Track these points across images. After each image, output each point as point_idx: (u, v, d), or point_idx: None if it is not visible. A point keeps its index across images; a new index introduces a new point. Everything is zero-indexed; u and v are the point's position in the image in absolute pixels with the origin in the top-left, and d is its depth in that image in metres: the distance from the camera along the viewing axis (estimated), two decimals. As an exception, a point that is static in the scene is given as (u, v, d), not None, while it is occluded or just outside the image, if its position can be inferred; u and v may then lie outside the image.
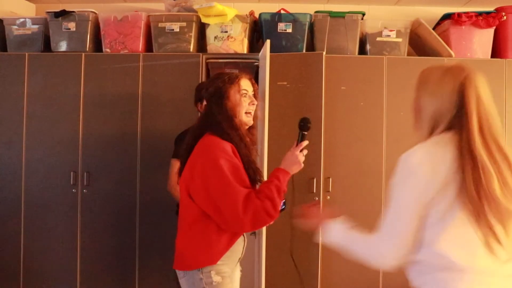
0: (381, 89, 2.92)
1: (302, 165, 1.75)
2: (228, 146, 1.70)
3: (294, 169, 1.75)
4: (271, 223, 1.70)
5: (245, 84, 1.83)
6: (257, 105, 1.89)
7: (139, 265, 2.90)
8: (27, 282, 2.95)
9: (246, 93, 1.81)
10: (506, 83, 2.93)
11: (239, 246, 1.81)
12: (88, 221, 2.93)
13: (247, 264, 3.19)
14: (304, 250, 2.79)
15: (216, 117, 1.75)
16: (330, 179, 2.88)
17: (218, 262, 1.69)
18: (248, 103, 1.81)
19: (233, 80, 1.80)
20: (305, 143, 1.76)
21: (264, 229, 2.42)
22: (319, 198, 2.81)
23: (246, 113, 1.81)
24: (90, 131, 2.94)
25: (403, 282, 3.14)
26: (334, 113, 2.90)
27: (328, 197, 2.89)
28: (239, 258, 1.86)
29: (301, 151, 1.75)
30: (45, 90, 2.96)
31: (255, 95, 1.86)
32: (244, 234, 1.84)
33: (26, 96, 2.97)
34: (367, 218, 3.04)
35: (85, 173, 2.92)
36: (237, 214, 1.60)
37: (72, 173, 2.93)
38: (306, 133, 1.77)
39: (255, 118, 1.89)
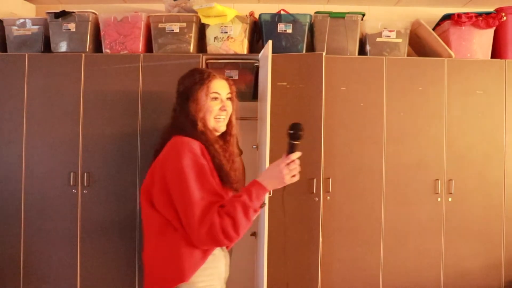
0: (381, 90, 2.93)
1: (286, 182, 1.43)
2: (196, 145, 1.50)
3: (275, 185, 1.45)
4: (232, 244, 1.44)
5: (218, 86, 1.64)
6: (233, 111, 1.70)
7: (139, 265, 2.90)
8: (27, 282, 2.95)
9: (218, 97, 1.63)
10: (506, 83, 2.93)
11: (219, 262, 1.57)
12: (88, 221, 2.93)
13: (247, 264, 3.19)
14: (304, 250, 2.79)
15: (181, 118, 1.60)
16: (330, 179, 2.88)
17: (198, 284, 1.48)
18: (219, 107, 1.62)
19: (203, 81, 1.62)
20: (295, 155, 1.43)
21: (265, 228, 2.42)
22: (319, 199, 2.81)
23: (215, 118, 1.62)
24: (90, 131, 2.94)
25: (403, 282, 3.16)
26: (334, 113, 2.90)
27: (328, 197, 2.89)
28: (225, 278, 1.61)
29: (288, 164, 1.43)
30: (45, 91, 2.96)
31: (231, 98, 1.69)
32: (223, 250, 1.60)
33: (26, 96, 2.97)
34: (367, 219, 3.07)
35: (85, 174, 2.93)
36: (193, 224, 1.39)
37: (72, 173, 2.93)
38: (296, 143, 1.43)
39: (230, 125, 1.71)
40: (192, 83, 1.62)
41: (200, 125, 1.57)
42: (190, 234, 1.41)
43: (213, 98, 1.62)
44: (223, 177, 1.54)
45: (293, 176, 1.45)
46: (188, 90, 1.62)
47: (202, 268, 1.48)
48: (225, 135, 1.71)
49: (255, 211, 1.43)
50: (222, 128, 1.67)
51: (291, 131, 1.44)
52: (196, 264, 1.46)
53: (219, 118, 1.63)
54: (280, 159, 1.45)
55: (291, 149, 1.43)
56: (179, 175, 1.41)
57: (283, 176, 1.42)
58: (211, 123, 1.62)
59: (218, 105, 1.63)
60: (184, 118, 1.59)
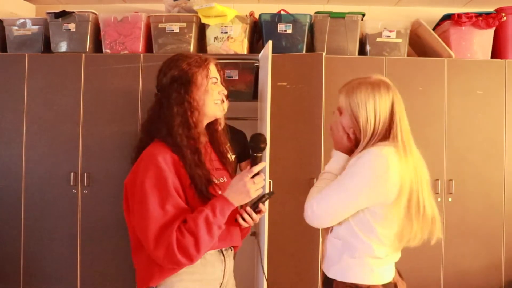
0: (381, 90, 2.92)
1: (252, 196, 1.36)
2: (167, 156, 1.38)
3: (240, 200, 1.37)
4: (192, 263, 1.34)
5: (214, 69, 1.54)
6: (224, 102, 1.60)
7: (139, 266, 2.91)
8: (27, 282, 2.95)
9: (216, 81, 1.53)
10: (506, 83, 2.93)
11: (215, 268, 1.48)
12: (88, 221, 2.93)
13: (247, 264, 3.19)
14: (304, 250, 2.79)
15: (168, 111, 1.44)
16: (330, 179, 2.88)
17: (175, 279, 1.40)
18: (218, 91, 1.51)
19: (202, 63, 1.50)
20: (259, 167, 1.35)
21: (265, 228, 2.42)
22: (319, 199, 2.80)
23: (215, 103, 1.51)
24: (90, 131, 2.94)
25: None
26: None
27: (328, 197, 2.88)
28: (221, 284, 1.52)
29: (253, 176, 1.36)
30: (45, 91, 2.97)
31: (221, 82, 1.58)
32: (224, 254, 1.51)
33: (26, 96, 2.97)
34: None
35: (85, 174, 2.93)
36: (149, 248, 1.32)
37: (72, 173, 2.93)
38: (258, 155, 1.36)
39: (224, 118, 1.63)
40: (188, 65, 1.48)
41: (196, 114, 1.45)
42: (151, 255, 1.35)
43: (213, 82, 1.52)
44: (203, 191, 1.41)
45: (258, 189, 1.39)
46: (186, 74, 1.46)
47: (188, 272, 1.41)
48: (214, 123, 1.61)
49: (219, 227, 1.35)
50: (221, 111, 1.55)
51: (252, 143, 1.37)
52: (166, 272, 1.39)
53: (217, 103, 1.52)
54: (243, 171, 1.38)
55: (254, 162, 1.36)
56: (138, 194, 1.34)
57: (248, 190, 1.35)
58: (211, 108, 1.50)
59: (217, 88, 1.52)
60: (174, 108, 1.43)
